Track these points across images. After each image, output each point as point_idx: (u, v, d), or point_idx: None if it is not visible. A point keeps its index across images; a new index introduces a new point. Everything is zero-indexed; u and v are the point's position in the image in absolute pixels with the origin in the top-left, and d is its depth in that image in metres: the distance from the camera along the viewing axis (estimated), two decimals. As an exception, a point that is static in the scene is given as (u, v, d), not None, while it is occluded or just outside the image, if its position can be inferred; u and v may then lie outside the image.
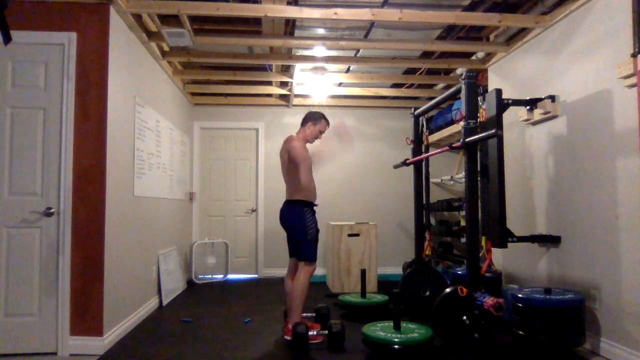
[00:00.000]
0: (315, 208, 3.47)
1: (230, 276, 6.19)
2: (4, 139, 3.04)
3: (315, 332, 3.28)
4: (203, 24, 4.00)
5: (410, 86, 5.71)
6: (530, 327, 2.86)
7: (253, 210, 6.38)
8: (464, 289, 3.02)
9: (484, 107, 3.40)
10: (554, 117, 3.47)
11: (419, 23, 3.69)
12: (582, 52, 3.19)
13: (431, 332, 2.97)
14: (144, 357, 2.99)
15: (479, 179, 3.38)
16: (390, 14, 3.45)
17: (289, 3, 3.43)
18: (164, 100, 4.76)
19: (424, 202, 4.40)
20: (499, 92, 3.32)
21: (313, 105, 6.27)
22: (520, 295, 2.95)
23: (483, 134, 2.99)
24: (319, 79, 5.17)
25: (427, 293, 4.03)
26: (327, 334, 3.18)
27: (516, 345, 3.13)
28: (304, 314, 3.50)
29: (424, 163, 4.41)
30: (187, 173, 6.02)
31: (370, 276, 5.10)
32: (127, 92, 3.56)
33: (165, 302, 4.50)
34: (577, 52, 3.24)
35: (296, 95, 6.10)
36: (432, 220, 6.14)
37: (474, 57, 4.68)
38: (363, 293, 4.15)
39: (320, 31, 4.07)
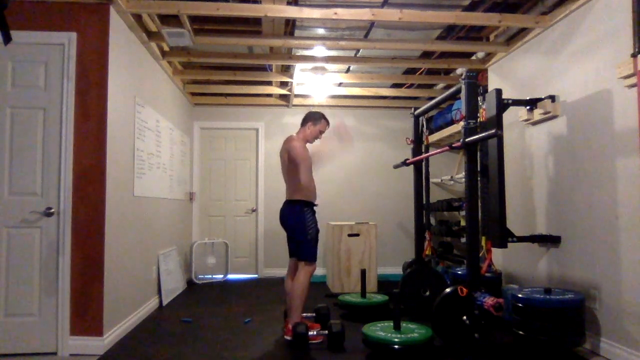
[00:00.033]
0: (315, 208, 3.47)
1: (230, 276, 6.19)
2: (4, 139, 3.04)
3: (315, 332, 3.28)
4: (203, 24, 4.00)
5: (410, 86, 5.71)
6: (530, 327, 2.86)
7: (253, 210, 6.38)
8: (464, 289, 3.02)
9: (484, 107, 3.40)
10: (554, 117, 3.47)
11: (419, 23, 3.69)
12: (582, 52, 3.19)
13: (431, 332, 2.97)
14: (144, 357, 2.99)
15: (479, 179, 3.38)
16: (390, 14, 3.45)
17: (289, 3, 3.43)
18: (164, 100, 4.76)
19: (424, 202, 4.40)
20: (499, 92, 3.32)
21: (313, 105, 6.27)
22: (520, 295, 2.95)
23: (483, 134, 2.99)
24: (319, 79, 5.17)
25: (427, 293, 4.03)
26: (327, 334, 3.18)
27: (516, 345, 3.13)
28: (304, 314, 3.50)
29: (424, 163, 4.41)
30: (187, 173, 6.02)
31: (370, 276, 5.10)
32: (127, 92, 3.56)
33: (165, 302, 4.50)
34: (577, 52, 3.24)
35: (296, 95, 6.10)
36: (432, 220, 6.14)
37: (474, 57, 4.68)
38: (363, 293, 4.15)
39: (320, 31, 4.07)
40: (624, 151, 2.78)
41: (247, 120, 6.41)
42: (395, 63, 4.69)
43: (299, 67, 4.89)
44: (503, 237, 3.30)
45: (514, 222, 3.94)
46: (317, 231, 3.42)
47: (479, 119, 3.27)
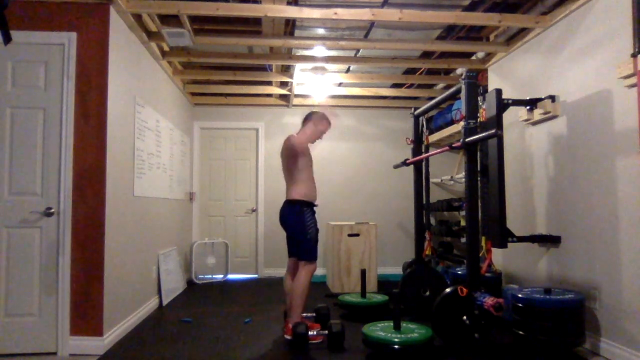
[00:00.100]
0: (315, 208, 3.47)
1: (230, 276, 6.19)
2: (4, 139, 3.04)
3: (315, 332, 3.28)
4: (203, 24, 4.00)
5: (410, 86, 5.71)
6: (530, 327, 2.86)
7: (253, 210, 6.38)
8: (464, 289, 3.02)
9: (484, 107, 3.40)
10: (554, 117, 3.47)
11: (419, 23, 3.69)
12: (582, 52, 3.19)
13: (431, 332, 2.97)
14: (144, 357, 2.99)
15: (479, 179, 3.38)
16: (390, 14, 3.45)
17: (289, 3, 3.43)
18: (164, 100, 4.76)
19: (424, 202, 4.40)
20: (499, 92, 3.32)
21: (313, 105, 6.27)
22: (520, 295, 2.95)
23: (483, 134, 2.99)
24: (319, 79, 5.17)
25: (427, 293, 4.03)
26: (327, 334, 3.18)
27: (516, 345, 3.13)
28: (304, 314, 3.50)
29: (424, 163, 4.41)
30: (187, 173, 6.02)
31: (370, 276, 5.10)
32: (127, 92, 3.56)
33: (165, 302, 4.50)
34: (577, 52, 3.24)
35: (296, 95, 6.10)
36: (432, 220, 6.14)
37: (474, 57, 4.68)
38: (363, 293, 4.15)
39: (320, 31, 4.07)
40: (624, 151, 2.78)
41: (247, 120, 6.41)
42: (395, 63, 4.70)
43: (299, 67, 4.89)
44: (503, 237, 3.30)
45: (514, 222, 3.94)
46: (317, 231, 3.42)
47: (479, 119, 3.27)
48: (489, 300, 2.89)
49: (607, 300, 2.91)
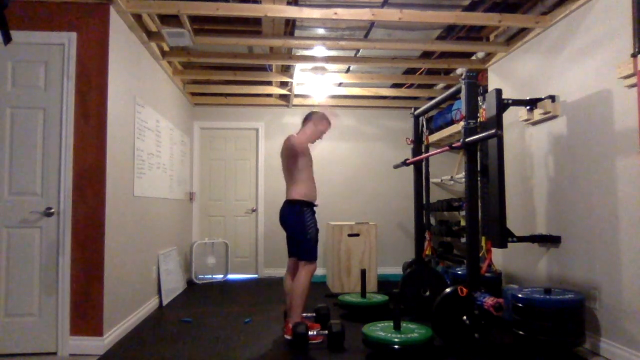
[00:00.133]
0: (315, 208, 3.47)
1: (230, 276, 6.19)
2: (4, 139, 3.04)
3: (315, 332, 3.28)
4: (203, 24, 4.00)
5: (410, 86, 5.71)
6: (530, 327, 2.86)
7: (253, 210, 6.38)
8: (464, 289, 3.02)
9: (484, 107, 3.40)
10: (554, 117, 3.47)
11: (419, 23, 3.69)
12: (582, 52, 3.19)
13: (431, 332, 2.97)
14: (144, 357, 2.99)
15: (479, 179, 3.38)
16: (390, 14, 3.45)
17: (289, 3, 3.43)
18: (164, 100, 4.76)
19: (424, 202, 4.40)
20: (499, 92, 3.32)
21: (313, 105, 6.27)
22: (520, 295, 2.95)
23: (483, 134, 2.99)
24: (319, 79, 5.17)
25: (427, 293, 4.03)
26: (327, 334, 3.18)
27: (516, 345, 3.13)
28: (304, 314, 3.50)
29: (424, 163, 4.41)
30: (187, 173, 6.02)
31: (370, 276, 5.10)
32: (127, 92, 3.56)
33: (165, 302, 4.50)
34: (577, 52, 3.24)
35: (296, 95, 6.10)
36: (432, 220, 6.14)
37: (474, 57, 4.68)
38: (363, 293, 4.15)
39: (320, 31, 4.07)
40: (624, 151, 2.78)
41: (247, 120, 6.41)
42: (395, 63, 4.70)
43: (299, 67, 4.89)
44: (503, 237, 3.30)
45: (514, 222, 3.94)
46: (317, 231, 3.42)
47: (479, 119, 3.27)
48: (489, 300, 2.89)
49: (607, 300, 2.91)
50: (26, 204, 3.03)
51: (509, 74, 4.21)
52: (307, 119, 3.58)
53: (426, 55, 4.68)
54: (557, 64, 3.46)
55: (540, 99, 3.52)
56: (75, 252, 3.07)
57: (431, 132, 5.59)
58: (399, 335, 2.89)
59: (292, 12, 3.40)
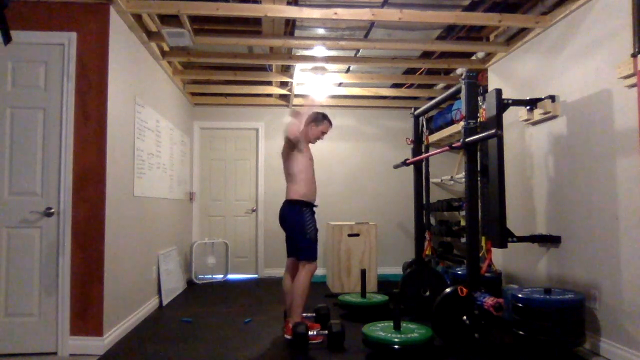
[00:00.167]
0: (315, 208, 3.47)
1: (230, 276, 6.19)
2: (4, 139, 3.04)
3: (315, 332, 3.28)
4: (203, 24, 4.00)
5: (410, 86, 5.71)
6: (530, 327, 2.86)
7: (253, 210, 6.38)
8: (464, 289, 3.02)
9: (484, 107, 3.40)
10: (554, 117, 3.47)
11: (419, 23, 3.69)
12: (582, 52, 3.19)
13: (431, 332, 2.97)
14: (144, 357, 2.99)
15: (479, 179, 3.38)
16: (390, 14, 3.45)
17: (289, 3, 3.43)
18: (164, 100, 4.76)
19: (424, 202, 4.40)
20: (499, 92, 3.32)
21: (313, 106, 6.26)
22: (520, 295, 2.95)
23: (483, 134, 2.99)
24: (319, 79, 5.17)
25: (427, 293, 4.03)
26: (327, 334, 3.18)
27: (516, 345, 3.13)
28: (304, 314, 3.50)
29: (424, 163, 4.41)
30: (187, 173, 6.02)
31: (370, 276, 5.10)
32: (127, 92, 3.56)
33: (165, 302, 4.50)
34: (577, 52, 3.24)
35: (296, 95, 6.10)
36: (432, 220, 6.14)
37: (474, 57, 4.68)
38: (363, 293, 4.15)
39: (320, 31, 4.07)
40: (624, 151, 2.78)
41: (247, 120, 6.41)
42: (395, 63, 4.70)
43: (299, 67, 4.89)
44: (503, 237, 3.30)
45: (514, 222, 3.94)
46: (316, 231, 3.42)
47: (479, 119, 3.27)
48: (489, 300, 2.89)
49: (607, 300, 2.91)
50: (26, 204, 3.03)
51: (509, 74, 4.20)
52: (308, 119, 3.58)
53: (426, 55, 4.67)
54: (557, 64, 3.46)
55: (540, 99, 3.52)
56: (75, 252, 3.07)
57: (431, 132, 5.59)
58: (399, 335, 2.89)
59: (292, 12, 3.40)
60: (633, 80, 2.66)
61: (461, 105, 3.27)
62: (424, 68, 5.05)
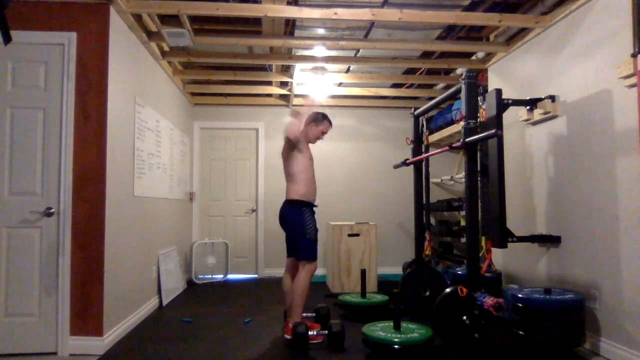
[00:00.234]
0: (315, 208, 3.47)
1: (230, 276, 6.19)
2: (4, 139, 3.04)
3: (315, 332, 3.28)
4: (203, 24, 4.00)
5: (410, 86, 5.71)
6: (530, 327, 2.86)
7: (253, 210, 6.38)
8: (464, 289, 3.02)
9: (484, 107, 3.40)
10: (554, 117, 3.47)
11: (419, 23, 3.69)
12: (582, 52, 3.19)
13: (431, 332, 2.97)
14: (144, 357, 2.99)
15: (479, 179, 3.38)
16: (390, 14, 3.45)
17: (289, 3, 3.43)
18: (164, 100, 4.76)
19: (424, 202, 4.40)
20: (499, 92, 3.32)
21: (313, 106, 6.26)
22: (520, 295, 2.95)
23: (483, 134, 2.99)
24: (319, 79, 5.17)
25: (427, 293, 4.03)
26: (327, 334, 3.18)
27: (516, 345, 3.13)
28: (304, 314, 3.50)
29: (424, 163, 4.41)
30: (187, 173, 6.02)
31: (370, 276, 5.10)
32: (127, 92, 3.56)
33: (165, 302, 4.50)
34: (577, 52, 3.24)
35: (296, 95, 6.09)
36: (432, 220, 6.14)
37: (474, 57, 4.68)
38: (363, 293, 4.15)
39: (320, 31, 4.07)
40: (624, 151, 2.78)
41: (247, 120, 6.41)
42: (395, 63, 4.69)
43: (299, 67, 4.89)
44: (503, 237, 3.30)
45: (514, 222, 3.94)
46: (316, 231, 3.42)
47: (479, 119, 3.27)
48: (489, 300, 2.89)
49: (607, 300, 2.91)
50: (26, 204, 3.03)
51: (509, 74, 4.20)
52: (308, 120, 3.58)
53: (426, 55, 4.67)
54: (557, 64, 3.46)
55: (540, 99, 3.52)
56: (75, 252, 3.07)
57: (431, 132, 5.59)
58: (399, 335, 2.89)
59: (292, 12, 3.40)
60: (633, 80, 2.66)
61: (461, 105, 3.27)
62: (424, 68, 5.05)
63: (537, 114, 3.57)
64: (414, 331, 2.98)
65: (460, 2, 3.56)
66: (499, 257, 4.23)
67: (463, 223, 5.28)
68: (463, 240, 5.02)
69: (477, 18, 3.53)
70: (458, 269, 4.07)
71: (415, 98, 6.25)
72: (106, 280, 3.12)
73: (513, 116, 3.93)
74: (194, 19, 3.84)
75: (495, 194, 3.33)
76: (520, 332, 2.91)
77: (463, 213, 5.16)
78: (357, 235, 5.20)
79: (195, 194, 6.29)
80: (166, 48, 4.35)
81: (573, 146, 3.27)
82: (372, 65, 4.74)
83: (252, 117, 6.41)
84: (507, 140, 4.02)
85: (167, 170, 4.85)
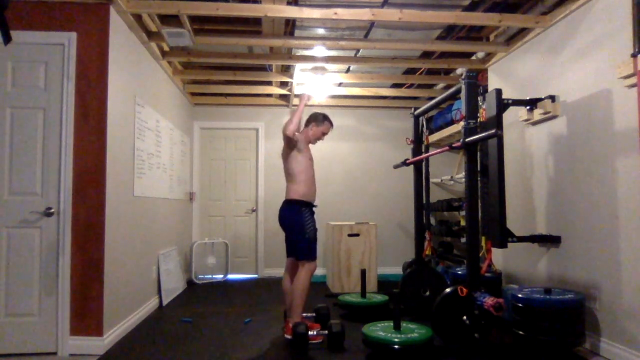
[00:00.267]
0: (314, 209, 3.47)
1: (230, 276, 6.19)
2: (4, 139, 3.04)
3: (315, 332, 3.28)
4: (203, 24, 4.00)
5: (410, 86, 5.71)
6: (530, 327, 2.86)
7: (253, 210, 6.38)
8: (464, 289, 3.02)
9: (484, 107, 3.40)
10: (554, 117, 3.47)
11: (419, 23, 3.69)
12: (582, 52, 3.19)
13: (431, 332, 2.97)
14: (144, 357, 2.99)
15: (479, 179, 3.38)
16: (390, 14, 3.45)
17: (289, 3, 3.43)
18: (164, 100, 4.76)
19: (424, 202, 4.40)
20: (499, 92, 3.32)
21: (313, 105, 6.27)
22: (520, 295, 2.95)
23: (483, 134, 2.99)
24: (319, 79, 5.17)
25: (427, 293, 4.03)
26: (327, 334, 3.18)
27: (516, 345, 3.13)
28: (304, 314, 3.50)
29: (424, 163, 4.41)
30: (187, 173, 6.02)
31: (370, 276, 5.10)
32: (127, 92, 3.56)
33: (165, 302, 4.50)
34: (577, 52, 3.24)
35: (296, 95, 6.09)
36: (432, 220, 6.14)
37: (474, 57, 4.68)
38: (363, 293, 4.15)
39: (320, 31, 4.07)
40: (624, 151, 2.78)
41: (247, 120, 6.41)
42: (395, 63, 4.69)
43: (299, 67, 4.89)
44: (503, 237, 3.30)
45: (514, 222, 3.94)
46: (316, 231, 3.42)
47: (479, 119, 3.27)
48: (489, 300, 2.89)
49: (607, 300, 2.91)
50: (26, 204, 3.03)
51: (509, 74, 4.20)
52: (309, 120, 3.59)
53: (426, 55, 4.67)
54: (557, 64, 3.46)
55: (540, 99, 3.52)
56: (75, 252, 3.07)
57: (431, 132, 5.59)
58: (399, 335, 2.89)
59: (292, 12, 3.40)
60: (633, 80, 2.66)
61: (461, 105, 3.27)
62: (424, 68, 5.05)
63: (537, 114, 3.57)
64: (414, 331, 2.98)
65: (460, 2, 3.56)
66: (499, 257, 4.23)
67: (463, 223, 5.28)
68: (463, 240, 5.02)
69: (477, 18, 3.53)
70: (458, 269, 4.07)
71: (415, 98, 6.25)
72: (106, 280, 3.12)
73: (513, 116, 3.93)
74: (194, 19, 3.84)
75: (495, 194, 3.34)
76: (520, 332, 2.91)
77: (463, 213, 5.16)
78: (357, 235, 5.20)
79: (195, 194, 6.29)
80: (166, 48, 4.35)
81: (573, 146, 3.27)
82: (372, 65, 4.74)
83: (252, 117, 6.41)
84: (507, 140, 4.02)
85: (167, 170, 4.85)
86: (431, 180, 5.02)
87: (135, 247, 3.78)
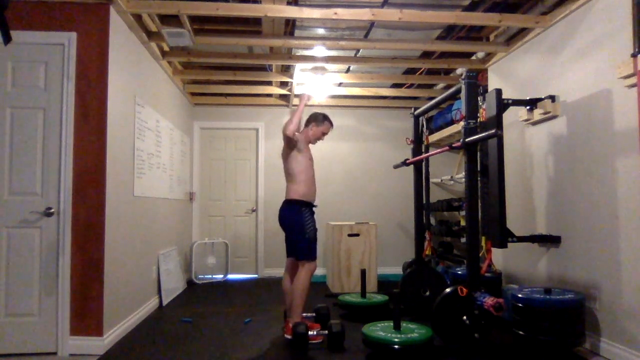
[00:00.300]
0: (315, 209, 3.47)
1: (230, 276, 6.19)
2: (4, 139, 3.04)
3: (315, 332, 3.28)
4: (203, 24, 4.00)
5: (410, 86, 5.71)
6: (530, 327, 2.86)
7: (253, 210, 6.38)
8: (464, 289, 3.02)
9: (484, 107, 3.40)
10: (554, 117, 3.47)
11: (419, 23, 3.69)
12: (582, 52, 3.19)
13: (431, 332, 2.97)
14: (144, 357, 2.99)
15: (479, 179, 3.38)
16: (390, 14, 3.45)
17: (289, 3, 3.43)
18: (164, 100, 4.76)
19: (424, 202, 4.40)
20: (499, 92, 3.32)
21: (313, 105, 6.27)
22: (520, 295, 2.95)
23: (483, 134, 2.99)
24: (319, 79, 5.17)
25: (427, 293, 4.03)
26: (327, 334, 3.18)
27: (516, 345, 3.13)
28: (304, 314, 3.50)
29: (424, 163, 4.41)
30: (187, 173, 6.02)
31: (370, 276, 5.10)
32: (127, 92, 3.56)
33: (165, 302, 4.50)
34: (577, 52, 3.24)
35: (296, 95, 6.09)
36: (432, 220, 6.14)
37: (474, 57, 4.68)
38: (363, 293, 4.15)
39: (320, 31, 4.07)
40: (624, 151, 2.78)
41: (247, 120, 6.41)
42: (395, 63, 4.69)
43: (299, 67, 4.89)
44: (503, 237, 3.30)
45: (514, 222, 3.94)
46: (316, 231, 3.42)
47: (479, 119, 3.27)
48: (489, 300, 2.89)
49: (607, 300, 2.91)
50: (26, 204, 3.03)
51: (509, 74, 4.20)
52: (309, 120, 3.59)
53: (426, 55, 4.67)
54: (557, 64, 3.46)
55: (540, 99, 3.52)
56: (75, 252, 3.07)
57: (431, 132, 5.59)
58: (399, 335, 2.89)
59: (292, 12, 3.40)
60: (633, 80, 2.66)
61: (461, 105, 3.27)
62: (424, 68, 5.05)
63: (537, 114, 3.57)
64: (414, 331, 2.98)
65: (460, 2, 3.56)
66: (499, 257, 4.23)
67: (463, 223, 5.28)
68: (463, 240, 5.02)
69: (477, 18, 3.53)
70: (458, 269, 4.07)
71: (415, 98, 6.25)
72: (106, 280, 3.12)
73: (513, 116, 3.93)
74: (194, 19, 3.84)
75: (495, 194, 3.34)
76: (520, 332, 2.91)
77: (463, 213, 5.16)
78: (357, 235, 5.20)
79: (195, 194, 6.29)
80: (166, 48, 4.35)
81: (573, 146, 3.27)
82: (372, 65, 4.74)
83: (252, 117, 6.41)
84: (507, 140, 4.02)
85: (167, 170, 4.85)
86: (431, 180, 5.02)
87: (135, 247, 3.78)
